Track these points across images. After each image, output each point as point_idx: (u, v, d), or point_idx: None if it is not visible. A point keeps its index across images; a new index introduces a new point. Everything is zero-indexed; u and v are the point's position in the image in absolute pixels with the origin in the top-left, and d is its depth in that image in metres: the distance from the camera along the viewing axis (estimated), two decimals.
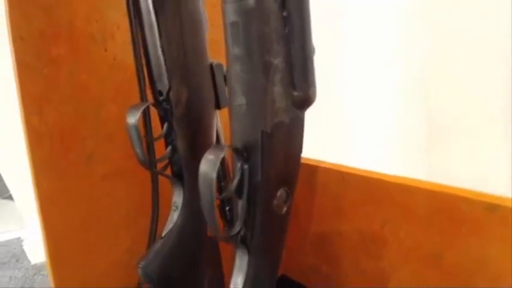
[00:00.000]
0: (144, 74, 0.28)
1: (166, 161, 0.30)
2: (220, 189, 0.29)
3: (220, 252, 0.36)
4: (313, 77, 0.20)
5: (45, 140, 0.31)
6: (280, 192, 0.23)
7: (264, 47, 0.18)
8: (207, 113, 0.29)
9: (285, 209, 0.23)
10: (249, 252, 0.23)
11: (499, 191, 0.29)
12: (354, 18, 0.80)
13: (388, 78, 0.81)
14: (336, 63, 0.83)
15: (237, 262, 0.23)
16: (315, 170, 0.40)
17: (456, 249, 0.32)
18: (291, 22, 0.18)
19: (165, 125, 0.29)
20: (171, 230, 0.31)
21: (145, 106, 0.27)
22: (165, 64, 0.27)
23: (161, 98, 0.28)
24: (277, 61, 0.19)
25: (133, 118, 0.26)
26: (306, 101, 0.20)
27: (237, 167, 0.22)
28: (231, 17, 0.18)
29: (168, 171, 0.31)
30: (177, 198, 0.31)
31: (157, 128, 0.30)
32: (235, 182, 0.22)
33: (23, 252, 1.08)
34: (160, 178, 0.32)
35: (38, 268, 1.03)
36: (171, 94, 0.27)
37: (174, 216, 0.31)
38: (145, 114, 0.29)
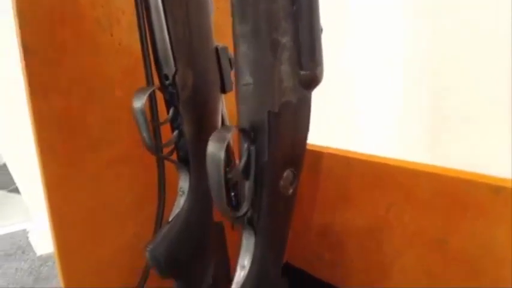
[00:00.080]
0: (150, 58, 0.28)
1: (172, 146, 0.30)
2: (225, 173, 0.30)
3: (225, 236, 0.36)
4: (321, 56, 0.20)
5: (52, 125, 0.31)
6: (287, 173, 0.23)
7: (271, 25, 0.18)
8: (213, 97, 0.29)
9: (291, 190, 0.23)
10: (255, 233, 0.23)
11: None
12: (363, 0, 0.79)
13: (394, 63, 0.81)
14: (341, 46, 0.82)
15: (244, 243, 0.24)
16: (319, 155, 0.40)
17: (461, 233, 0.32)
18: (299, 0, 0.18)
19: (171, 110, 0.29)
20: (177, 215, 0.31)
21: (151, 90, 0.27)
22: (171, 48, 0.27)
23: (167, 82, 0.28)
24: (285, 40, 0.19)
25: (139, 102, 0.26)
26: (313, 80, 0.20)
27: (243, 148, 0.22)
28: None
29: (174, 157, 0.31)
30: (183, 183, 0.31)
31: (163, 113, 0.30)
32: (243, 162, 0.22)
33: (28, 244, 1.09)
34: (167, 164, 0.32)
35: (43, 259, 1.04)
36: (177, 78, 0.27)
37: (180, 201, 0.31)
38: (151, 99, 0.29)
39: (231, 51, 0.28)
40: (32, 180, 0.91)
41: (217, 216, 0.34)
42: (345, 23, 0.83)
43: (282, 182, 0.23)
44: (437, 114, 0.76)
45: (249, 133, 0.21)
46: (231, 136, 0.20)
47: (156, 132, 0.29)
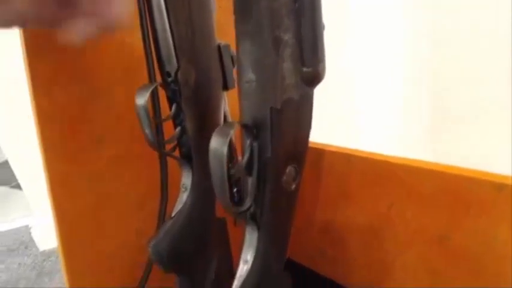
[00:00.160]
0: (153, 55, 0.28)
1: (175, 142, 0.30)
2: (228, 170, 0.30)
3: (228, 232, 0.36)
4: (323, 53, 0.20)
5: (54, 122, 0.31)
6: (289, 169, 0.23)
7: (274, 22, 0.18)
8: (215, 94, 0.29)
9: (293, 185, 0.24)
10: (258, 228, 0.24)
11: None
12: None
13: (394, 62, 0.81)
14: (342, 46, 0.82)
15: (247, 237, 0.24)
16: (320, 153, 0.40)
17: (463, 230, 0.32)
18: None
19: (174, 106, 0.29)
20: (180, 211, 0.31)
21: (153, 87, 0.27)
22: (174, 46, 0.27)
23: (169, 79, 0.28)
24: (287, 36, 0.19)
25: (142, 99, 0.26)
26: (315, 77, 0.20)
27: (246, 144, 0.22)
28: None
29: (177, 153, 0.31)
30: (186, 179, 0.31)
31: (166, 110, 0.30)
32: (245, 158, 0.22)
33: (31, 239, 1.10)
34: (169, 161, 0.32)
35: (46, 254, 1.05)
36: (179, 75, 0.27)
37: (183, 197, 0.31)
38: (154, 95, 0.29)
39: (233, 49, 0.29)
40: (33, 177, 0.91)
41: (219, 212, 0.34)
42: (346, 22, 0.83)
43: (284, 178, 0.23)
44: (438, 113, 0.76)
45: (251, 129, 0.21)
46: (234, 132, 0.21)
47: (158, 129, 0.29)
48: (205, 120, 0.29)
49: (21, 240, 1.14)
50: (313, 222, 0.45)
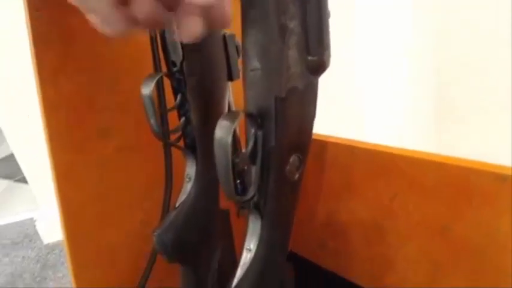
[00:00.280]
0: (158, 45, 0.28)
1: (180, 132, 0.30)
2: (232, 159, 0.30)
3: (231, 223, 0.36)
4: (328, 42, 0.20)
5: (60, 111, 0.31)
6: (293, 159, 0.23)
7: (279, 9, 0.18)
8: (220, 85, 0.30)
9: (297, 175, 0.24)
10: (262, 217, 0.24)
11: None
12: None
13: (400, 54, 0.81)
14: (348, 35, 0.82)
15: (250, 226, 0.24)
16: (324, 145, 0.40)
17: (465, 221, 0.32)
18: None
19: (179, 96, 0.29)
20: (184, 201, 0.32)
21: (159, 76, 0.27)
22: None
23: (175, 69, 0.28)
24: (293, 24, 0.19)
25: (147, 89, 0.27)
26: (321, 65, 0.20)
27: (250, 133, 0.22)
28: None
29: (181, 143, 0.31)
30: (190, 169, 0.32)
31: (171, 101, 0.30)
32: (249, 147, 0.22)
33: (36, 232, 1.11)
34: (174, 152, 0.32)
35: (51, 247, 1.06)
36: (184, 65, 0.27)
37: (187, 187, 0.32)
38: (159, 85, 0.29)
39: (238, 39, 0.29)
40: (39, 169, 0.92)
41: (223, 203, 0.34)
42: (351, 13, 0.82)
43: (288, 167, 0.23)
44: (442, 107, 0.76)
45: (256, 118, 0.21)
46: (239, 121, 0.21)
47: (163, 119, 0.29)
48: (210, 111, 0.30)
49: (26, 233, 1.15)
50: (315, 214, 0.45)
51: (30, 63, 0.30)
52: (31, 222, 1.17)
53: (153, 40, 0.28)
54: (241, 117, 0.21)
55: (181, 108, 0.29)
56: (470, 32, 0.69)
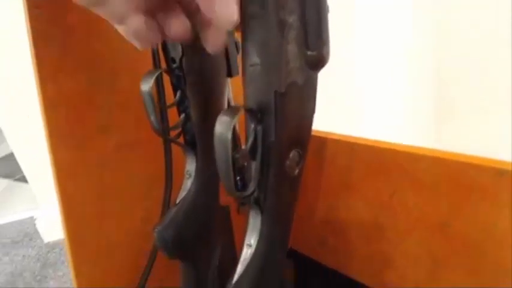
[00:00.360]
0: None
1: (179, 129, 0.31)
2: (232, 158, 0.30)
3: (232, 220, 0.36)
4: (327, 36, 0.20)
5: (60, 109, 0.32)
6: (293, 154, 0.23)
7: (278, 4, 0.18)
8: (219, 81, 0.30)
9: (297, 170, 0.24)
10: (262, 213, 0.24)
11: None
12: None
13: (400, 52, 0.81)
14: (347, 32, 0.82)
15: (251, 221, 0.24)
16: (323, 141, 0.40)
17: (464, 217, 0.32)
18: None
19: (178, 93, 0.29)
20: (184, 198, 0.32)
21: (158, 73, 0.27)
22: None
23: (174, 65, 0.28)
24: (292, 19, 0.19)
25: (147, 85, 0.27)
26: (320, 60, 0.20)
27: (250, 129, 0.22)
28: None
29: (181, 140, 0.31)
30: (190, 166, 0.32)
31: (171, 97, 0.30)
32: (249, 142, 0.22)
33: (36, 231, 1.11)
34: (174, 149, 0.32)
35: (51, 246, 1.06)
36: (184, 61, 0.27)
37: (187, 184, 0.32)
38: (158, 82, 0.29)
39: (237, 36, 0.29)
40: (39, 168, 0.92)
41: (223, 200, 0.34)
42: (350, 9, 0.82)
43: (288, 162, 0.23)
44: (441, 104, 0.76)
45: (255, 113, 0.22)
46: (239, 117, 0.21)
47: (163, 115, 0.30)
48: (210, 107, 0.30)
49: (26, 232, 1.15)
50: (315, 211, 0.45)
51: (30, 63, 0.30)
52: (31, 221, 1.17)
53: None
54: (241, 113, 0.21)
55: (181, 105, 0.30)
56: (470, 32, 0.69)
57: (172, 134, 0.30)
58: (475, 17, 0.68)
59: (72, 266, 0.37)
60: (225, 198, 0.32)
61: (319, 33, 0.19)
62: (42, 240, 1.08)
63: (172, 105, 0.29)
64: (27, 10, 0.28)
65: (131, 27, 0.21)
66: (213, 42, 0.23)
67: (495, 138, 0.66)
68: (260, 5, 0.19)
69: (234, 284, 0.24)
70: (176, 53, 0.27)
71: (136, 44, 0.22)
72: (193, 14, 0.23)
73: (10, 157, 1.20)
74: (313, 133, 0.24)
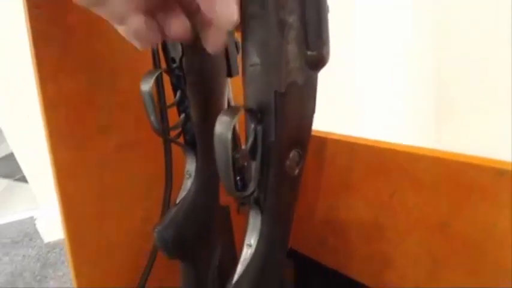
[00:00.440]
0: None
1: (179, 129, 0.31)
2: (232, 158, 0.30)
3: (232, 220, 0.36)
4: (327, 36, 0.20)
5: (60, 109, 0.32)
6: (293, 154, 0.23)
7: (278, 4, 0.18)
8: (219, 81, 0.30)
9: (297, 170, 0.24)
10: (262, 213, 0.24)
11: None
12: None
13: (400, 52, 0.81)
14: (347, 32, 0.82)
15: (251, 221, 0.24)
16: (324, 141, 0.40)
17: (464, 217, 0.32)
18: None
19: (178, 93, 0.29)
20: (184, 198, 0.32)
21: (158, 72, 0.27)
22: None
23: (174, 65, 0.28)
24: (292, 19, 0.19)
25: (146, 85, 0.27)
26: (320, 60, 0.20)
27: (250, 128, 0.22)
28: None
29: (181, 140, 0.31)
30: (190, 166, 0.32)
31: (171, 97, 0.30)
32: (249, 142, 0.22)
33: (36, 231, 1.11)
34: (174, 149, 0.32)
35: (51, 246, 1.06)
36: (184, 61, 0.27)
37: (187, 184, 0.32)
38: (158, 82, 0.29)
39: (237, 35, 0.29)
40: (39, 168, 0.92)
41: (223, 200, 0.34)
42: (350, 9, 0.82)
43: (288, 162, 0.23)
44: (444, 102, 0.76)
45: (255, 113, 0.22)
46: (239, 117, 0.21)
47: (163, 115, 0.30)
48: (209, 107, 0.30)
49: (26, 232, 1.15)
50: (315, 211, 0.45)
51: (30, 63, 0.30)
52: (31, 221, 1.17)
53: None
54: (241, 113, 0.21)
55: (181, 105, 0.30)
56: (470, 32, 0.69)
57: (172, 134, 0.31)
58: (475, 17, 0.68)
59: (72, 266, 0.37)
60: (225, 198, 0.32)
61: (319, 33, 0.19)
62: (42, 240, 1.09)
63: (172, 105, 0.29)
64: (27, 10, 0.28)
65: (131, 27, 0.21)
66: (213, 42, 0.23)
67: (495, 138, 0.66)
68: (260, 5, 0.19)
69: (234, 284, 0.24)
70: (176, 53, 0.27)
71: (136, 44, 0.22)
72: (193, 14, 0.23)
73: (10, 157, 1.20)
74: (313, 133, 0.24)
